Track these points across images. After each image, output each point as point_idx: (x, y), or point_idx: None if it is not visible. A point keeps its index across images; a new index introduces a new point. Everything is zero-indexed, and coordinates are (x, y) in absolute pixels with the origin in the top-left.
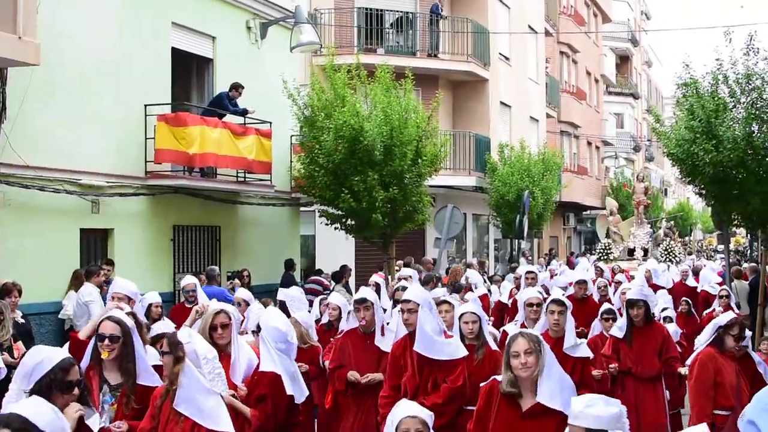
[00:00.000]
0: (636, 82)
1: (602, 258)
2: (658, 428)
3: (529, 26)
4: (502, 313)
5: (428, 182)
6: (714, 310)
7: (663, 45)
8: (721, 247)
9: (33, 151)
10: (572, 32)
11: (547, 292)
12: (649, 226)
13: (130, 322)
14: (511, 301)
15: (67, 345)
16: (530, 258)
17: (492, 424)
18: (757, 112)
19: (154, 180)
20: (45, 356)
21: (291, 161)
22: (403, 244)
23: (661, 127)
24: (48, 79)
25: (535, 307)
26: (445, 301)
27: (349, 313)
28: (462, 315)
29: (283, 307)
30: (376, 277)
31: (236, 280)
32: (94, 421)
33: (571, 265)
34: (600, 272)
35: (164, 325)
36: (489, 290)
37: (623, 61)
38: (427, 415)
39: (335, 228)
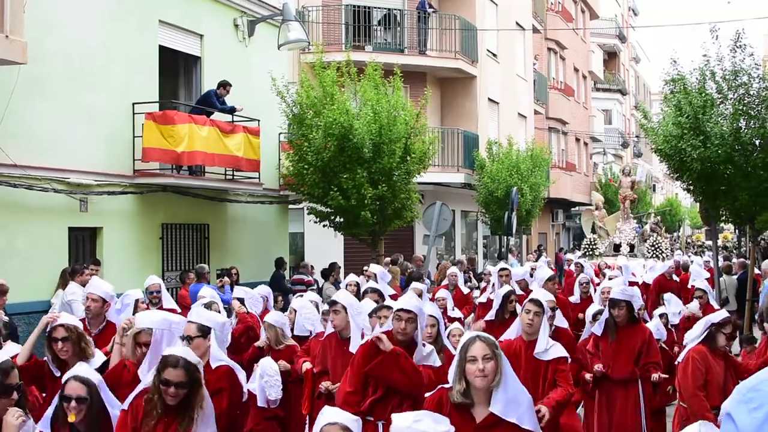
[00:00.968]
0: (624, 79)
1: (587, 254)
2: (629, 430)
3: (517, 23)
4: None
5: (417, 179)
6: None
7: (651, 41)
8: (709, 242)
9: (21, 149)
10: (560, 29)
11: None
12: (636, 221)
13: (96, 377)
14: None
15: (7, 348)
16: (518, 255)
17: None
18: (744, 108)
19: (143, 178)
20: None
21: (279, 159)
22: (392, 242)
23: (649, 123)
24: (35, 78)
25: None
26: (386, 306)
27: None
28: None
29: (242, 304)
30: (354, 277)
31: (225, 278)
32: (29, 430)
33: (560, 262)
34: (580, 268)
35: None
36: (478, 287)
37: (611, 57)
38: (350, 420)
39: (324, 225)
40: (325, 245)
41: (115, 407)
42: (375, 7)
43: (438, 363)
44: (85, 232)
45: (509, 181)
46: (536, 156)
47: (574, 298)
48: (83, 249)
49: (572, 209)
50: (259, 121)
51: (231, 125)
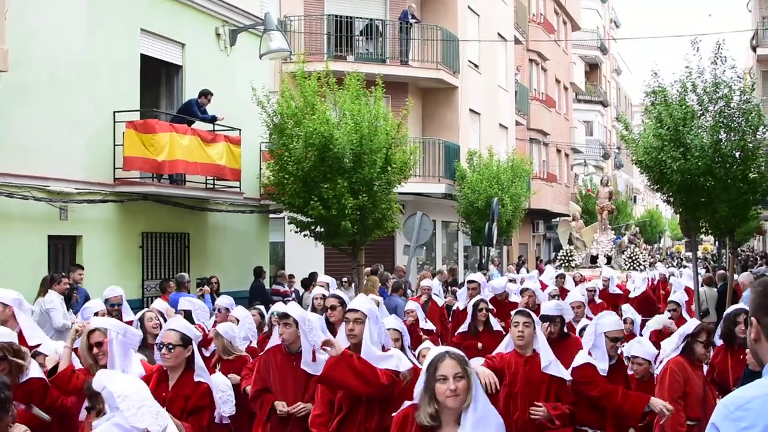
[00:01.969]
0: (605, 90)
1: (563, 265)
2: None
3: (499, 34)
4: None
5: (398, 189)
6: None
7: (632, 53)
8: (689, 254)
9: (1, 157)
10: (542, 40)
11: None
12: (613, 232)
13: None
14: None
15: None
16: (499, 265)
17: None
18: (725, 121)
19: (123, 187)
20: None
21: (260, 168)
22: (373, 251)
23: (630, 134)
24: (16, 85)
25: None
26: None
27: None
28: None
29: (188, 316)
30: (326, 277)
31: (206, 287)
32: None
33: (540, 272)
34: (562, 279)
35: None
36: (456, 297)
37: (592, 69)
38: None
39: (304, 235)
40: (305, 255)
41: None
42: (357, 17)
43: (403, 368)
44: (65, 240)
45: (490, 191)
46: (517, 167)
47: None
48: (63, 257)
49: (553, 220)
50: (240, 130)
51: (212, 134)
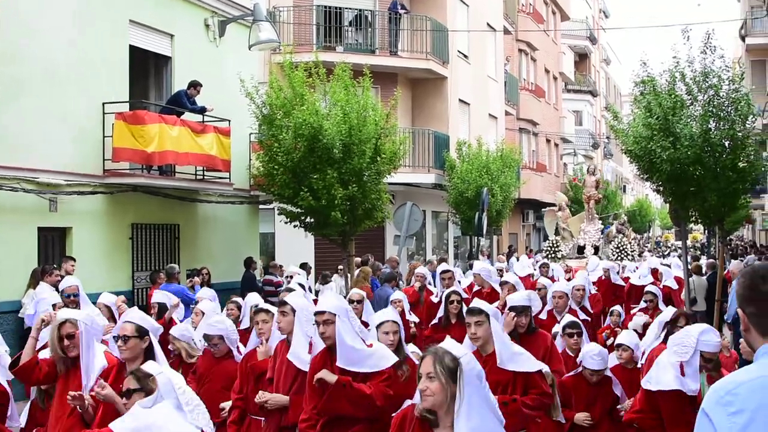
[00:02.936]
0: (594, 80)
1: (550, 256)
2: None
3: (488, 24)
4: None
5: (387, 180)
6: (639, 310)
7: (621, 43)
8: (678, 243)
9: None
10: (531, 30)
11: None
12: (601, 222)
13: None
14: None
15: None
16: (489, 255)
17: None
18: (714, 110)
19: (113, 178)
20: None
21: (250, 159)
22: (363, 242)
23: (619, 124)
24: (4, 77)
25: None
26: (263, 310)
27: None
28: (381, 324)
29: (163, 309)
30: (295, 267)
31: (196, 278)
32: None
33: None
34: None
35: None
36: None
37: (582, 58)
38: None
39: (294, 226)
40: (295, 245)
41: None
42: (346, 8)
43: (385, 365)
44: (55, 232)
45: (479, 181)
46: (506, 157)
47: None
48: (53, 249)
49: (543, 210)
50: (229, 121)
51: (202, 125)
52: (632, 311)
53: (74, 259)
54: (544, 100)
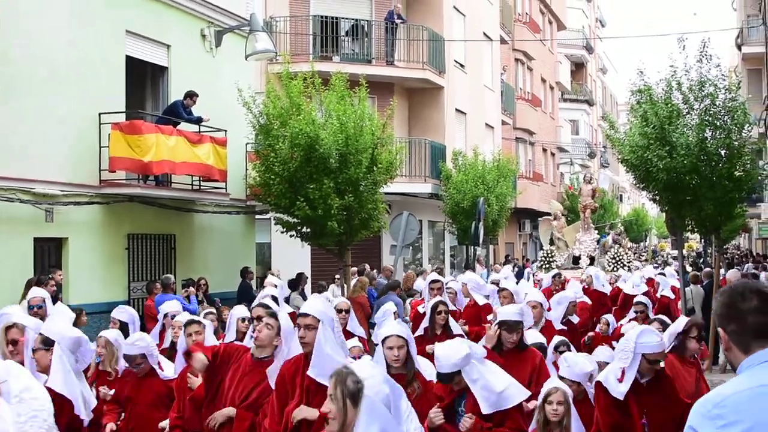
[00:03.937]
0: (591, 89)
1: (544, 266)
2: None
3: (485, 34)
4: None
5: (384, 189)
6: (629, 320)
7: (617, 52)
8: (675, 252)
9: None
10: (527, 39)
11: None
12: (597, 231)
13: None
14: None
15: None
16: (486, 265)
17: None
18: (710, 119)
19: (109, 188)
20: None
21: (246, 169)
22: (359, 252)
23: (616, 133)
24: (0, 87)
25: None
26: (195, 321)
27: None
28: (385, 339)
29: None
30: (274, 279)
31: (191, 288)
32: None
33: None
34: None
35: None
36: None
37: (578, 68)
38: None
39: (291, 236)
40: (292, 255)
41: None
42: (343, 18)
43: None
44: (51, 242)
45: (475, 191)
46: (503, 166)
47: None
48: (48, 259)
49: (539, 219)
50: (226, 131)
51: (198, 135)
52: (620, 321)
53: (61, 269)
54: (540, 109)
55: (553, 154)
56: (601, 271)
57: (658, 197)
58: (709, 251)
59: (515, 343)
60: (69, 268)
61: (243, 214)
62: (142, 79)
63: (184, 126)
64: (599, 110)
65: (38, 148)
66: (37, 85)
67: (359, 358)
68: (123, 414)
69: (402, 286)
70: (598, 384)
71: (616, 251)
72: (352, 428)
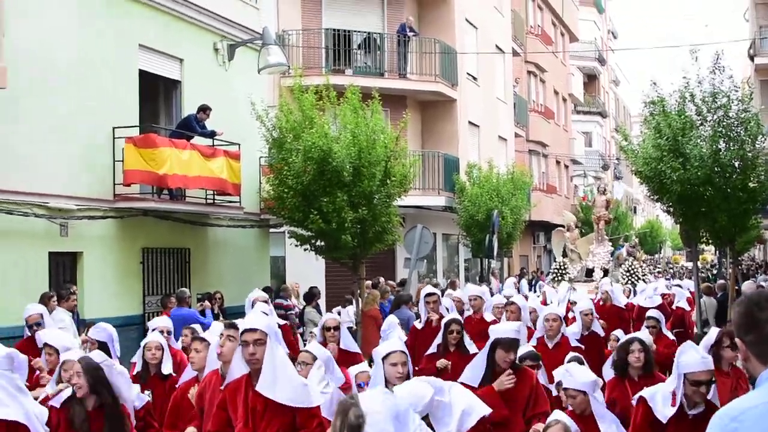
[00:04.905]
0: (604, 101)
1: (556, 279)
2: None
3: (497, 46)
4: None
5: (397, 202)
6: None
7: (630, 64)
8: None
9: (0, 174)
10: (540, 52)
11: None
12: (611, 243)
13: None
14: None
15: None
16: (500, 277)
17: None
18: (724, 130)
19: (123, 203)
20: None
21: (260, 183)
22: (373, 265)
23: (629, 145)
24: (15, 102)
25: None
26: (198, 338)
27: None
28: (388, 355)
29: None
30: (258, 292)
31: (206, 302)
32: None
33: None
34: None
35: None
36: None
37: (591, 80)
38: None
39: (305, 249)
40: (306, 269)
41: None
42: (355, 31)
43: (316, 402)
44: (66, 256)
45: (490, 204)
46: (517, 179)
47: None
48: (63, 274)
49: (553, 231)
50: (239, 145)
51: (211, 149)
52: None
53: (74, 283)
54: (553, 121)
55: (566, 167)
56: (617, 284)
57: (672, 209)
58: (724, 263)
59: (509, 363)
60: (84, 282)
61: (257, 227)
62: (155, 93)
63: (197, 140)
64: (612, 122)
65: (52, 162)
66: (50, 100)
67: (367, 384)
68: None
69: (414, 300)
70: (642, 399)
71: (630, 264)
72: None
